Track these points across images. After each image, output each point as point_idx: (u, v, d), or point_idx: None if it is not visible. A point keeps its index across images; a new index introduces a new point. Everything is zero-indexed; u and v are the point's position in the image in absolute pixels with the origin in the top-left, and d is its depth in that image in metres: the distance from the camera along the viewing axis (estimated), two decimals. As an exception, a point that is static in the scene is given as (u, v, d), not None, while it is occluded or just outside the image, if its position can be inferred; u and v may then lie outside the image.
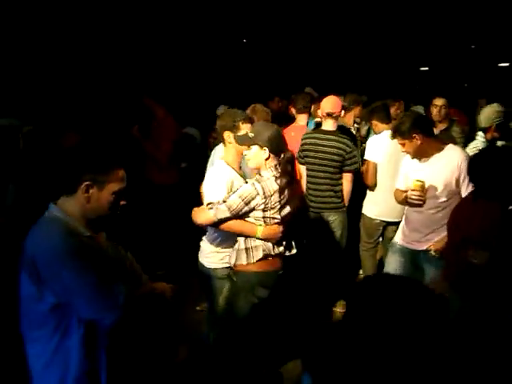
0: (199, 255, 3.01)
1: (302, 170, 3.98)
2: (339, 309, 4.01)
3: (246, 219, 2.63)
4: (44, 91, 5.60)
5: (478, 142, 3.96)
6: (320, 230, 3.93)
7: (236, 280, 2.76)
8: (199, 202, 2.73)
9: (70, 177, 1.71)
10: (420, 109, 5.63)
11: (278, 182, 2.58)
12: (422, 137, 2.96)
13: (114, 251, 1.87)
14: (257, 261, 2.65)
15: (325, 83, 6.65)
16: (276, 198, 2.58)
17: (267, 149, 2.56)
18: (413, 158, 3.09)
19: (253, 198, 2.54)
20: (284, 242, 2.77)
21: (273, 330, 2.94)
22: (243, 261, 2.67)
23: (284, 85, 7.49)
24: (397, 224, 3.96)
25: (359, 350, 1.03)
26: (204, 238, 2.99)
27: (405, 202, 3.12)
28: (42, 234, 1.67)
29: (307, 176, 3.94)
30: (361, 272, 4.47)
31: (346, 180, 3.85)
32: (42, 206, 1.82)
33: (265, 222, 2.61)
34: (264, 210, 2.58)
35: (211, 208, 2.57)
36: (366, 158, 4.07)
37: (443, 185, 2.98)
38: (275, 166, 2.60)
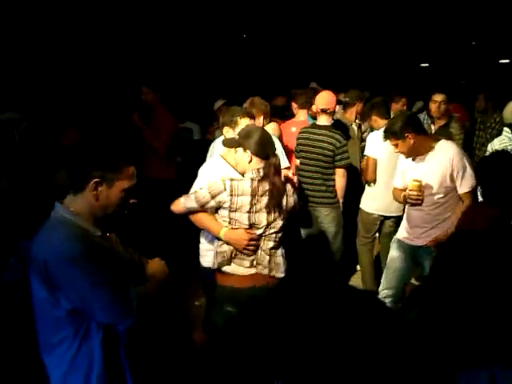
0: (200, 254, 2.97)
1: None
2: None
3: (217, 218, 2.57)
4: (42, 84, 5.59)
5: (505, 138, 3.92)
6: (313, 226, 3.93)
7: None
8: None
9: (78, 174, 1.66)
10: (419, 104, 5.62)
11: (254, 184, 2.46)
12: (415, 135, 2.96)
13: (124, 251, 1.84)
14: (216, 268, 2.55)
15: (325, 78, 6.63)
16: (245, 200, 2.46)
17: (249, 151, 2.49)
18: (407, 158, 3.10)
19: (219, 193, 2.46)
20: (254, 258, 2.54)
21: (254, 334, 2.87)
22: (211, 263, 2.62)
23: (285, 80, 7.48)
24: (394, 218, 3.97)
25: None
26: (200, 237, 2.97)
27: (404, 201, 3.13)
28: (53, 238, 1.60)
29: (301, 170, 3.94)
30: (358, 267, 4.47)
31: (338, 176, 3.85)
32: (43, 203, 1.80)
33: (230, 223, 2.51)
34: (230, 210, 2.48)
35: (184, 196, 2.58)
36: (365, 153, 4.07)
37: (438, 182, 3.00)
38: (258, 169, 2.49)
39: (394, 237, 3.40)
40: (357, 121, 4.61)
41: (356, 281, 4.39)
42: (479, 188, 2.67)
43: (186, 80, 7.81)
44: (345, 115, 4.58)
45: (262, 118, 3.35)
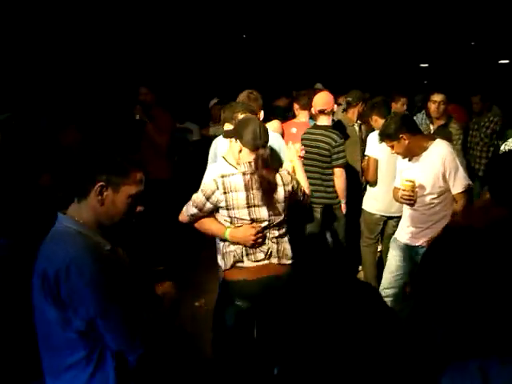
0: None
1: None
2: None
3: (218, 219, 2.53)
4: (41, 83, 5.59)
5: None
6: (313, 227, 3.93)
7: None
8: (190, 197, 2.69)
9: (82, 177, 1.58)
10: (419, 97, 5.59)
11: (246, 178, 2.42)
12: (409, 136, 2.98)
13: (132, 265, 1.74)
14: (229, 268, 2.52)
15: (327, 79, 6.64)
16: (240, 195, 2.42)
17: (239, 141, 2.47)
18: (404, 158, 3.12)
19: (212, 193, 2.43)
20: (264, 247, 2.52)
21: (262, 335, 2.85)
22: (222, 266, 2.59)
23: (288, 81, 7.49)
24: (397, 219, 3.99)
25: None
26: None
27: (399, 200, 3.19)
28: (63, 251, 1.49)
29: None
30: (360, 268, 4.48)
31: (336, 176, 3.85)
32: (24, 205, 1.73)
33: (231, 222, 2.48)
34: (228, 208, 2.45)
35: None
36: (366, 153, 4.07)
37: (431, 182, 3.02)
38: (250, 162, 2.45)
39: (393, 236, 3.42)
40: (358, 121, 4.61)
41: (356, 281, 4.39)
42: (488, 187, 2.65)
43: (186, 81, 7.82)
44: (346, 115, 4.58)
45: (262, 112, 3.29)
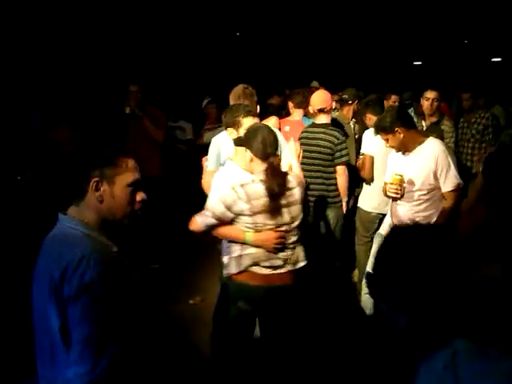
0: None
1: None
2: None
3: (236, 225, 2.50)
4: (33, 82, 5.56)
5: None
6: (314, 226, 3.92)
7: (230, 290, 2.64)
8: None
9: (75, 177, 1.54)
10: (407, 94, 5.59)
11: (265, 185, 2.43)
12: (404, 130, 2.99)
13: (133, 266, 1.69)
14: (243, 270, 2.50)
15: (322, 77, 6.64)
16: (263, 202, 2.43)
17: (249, 151, 2.48)
18: (397, 152, 3.12)
19: (235, 203, 2.41)
20: (282, 254, 2.53)
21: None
22: (233, 269, 2.54)
23: (281, 79, 7.49)
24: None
25: None
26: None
27: (385, 194, 3.19)
28: (70, 255, 1.43)
29: (302, 170, 3.95)
30: (356, 267, 4.47)
31: (339, 174, 3.82)
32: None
33: (256, 228, 2.46)
34: (252, 215, 2.44)
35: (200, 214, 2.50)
36: (362, 151, 4.06)
37: (422, 178, 3.02)
38: (263, 171, 2.47)
39: (378, 232, 3.42)
40: (353, 119, 4.61)
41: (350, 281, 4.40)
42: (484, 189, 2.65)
43: (179, 79, 7.80)
44: (342, 113, 4.57)
45: (258, 107, 3.20)
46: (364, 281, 3.34)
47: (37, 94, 5.09)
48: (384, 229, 3.34)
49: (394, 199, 3.09)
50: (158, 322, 2.90)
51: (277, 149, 2.56)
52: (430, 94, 4.42)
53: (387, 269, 1.17)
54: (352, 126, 4.52)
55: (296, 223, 2.55)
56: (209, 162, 3.11)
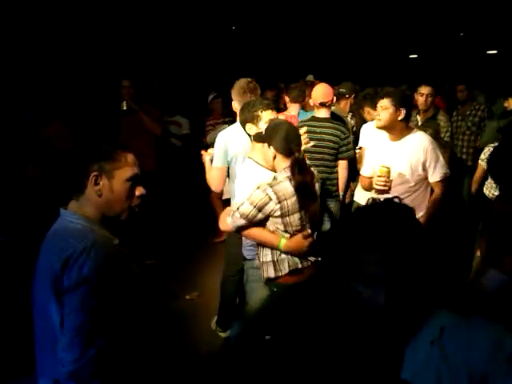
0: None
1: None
2: None
3: (269, 227, 2.46)
4: (26, 78, 5.54)
5: None
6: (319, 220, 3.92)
7: (276, 290, 2.55)
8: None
9: (75, 171, 1.55)
10: (404, 88, 5.60)
11: (293, 183, 2.39)
12: (404, 114, 2.98)
13: (133, 259, 1.70)
14: (288, 273, 2.46)
15: (318, 71, 6.64)
16: (293, 200, 2.39)
17: (272, 147, 2.42)
18: (380, 128, 3.07)
19: (265, 204, 2.36)
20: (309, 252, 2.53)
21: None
22: (271, 274, 2.47)
23: (275, 73, 7.47)
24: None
25: None
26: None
27: (372, 188, 3.12)
28: (72, 247, 1.44)
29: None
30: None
31: (342, 167, 3.80)
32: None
33: (286, 229, 2.44)
34: (283, 216, 2.40)
35: (230, 214, 2.46)
36: (360, 145, 4.05)
37: (410, 171, 3.00)
38: (289, 168, 2.42)
39: None
40: (350, 113, 4.59)
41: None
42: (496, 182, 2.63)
43: (175, 74, 7.77)
44: (339, 107, 4.56)
45: None
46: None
47: (30, 89, 5.07)
48: None
49: (381, 192, 3.01)
50: (156, 316, 2.92)
51: (300, 144, 2.51)
52: (425, 90, 4.41)
53: (363, 242, 1.16)
54: (349, 120, 4.51)
55: (316, 219, 2.54)
56: (215, 158, 3.06)
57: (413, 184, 3.03)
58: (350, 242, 1.19)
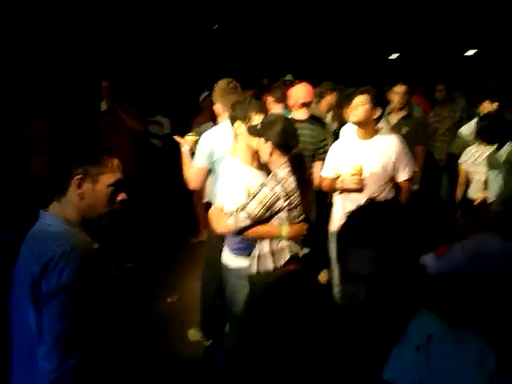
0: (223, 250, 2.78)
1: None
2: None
3: (273, 222, 2.45)
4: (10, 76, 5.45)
5: None
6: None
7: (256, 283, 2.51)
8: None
9: (59, 172, 1.53)
10: (386, 89, 5.60)
11: (297, 177, 2.43)
12: (379, 114, 3.00)
13: (113, 263, 1.68)
14: (287, 261, 2.45)
15: (296, 71, 6.63)
16: (297, 195, 2.43)
17: (270, 142, 2.39)
18: (354, 124, 3.07)
19: (275, 203, 2.36)
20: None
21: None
22: (269, 266, 2.44)
23: (254, 72, 7.45)
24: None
25: None
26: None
27: (338, 188, 3.12)
28: (51, 251, 1.42)
29: None
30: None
31: (317, 168, 3.81)
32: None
33: (289, 221, 2.44)
34: (289, 210, 2.42)
35: (231, 216, 2.41)
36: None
37: (382, 168, 3.01)
38: (287, 163, 2.42)
39: (330, 230, 3.31)
40: (331, 112, 4.58)
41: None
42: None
43: (156, 73, 7.70)
44: (319, 108, 4.55)
45: None
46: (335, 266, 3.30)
47: (11, 89, 5.00)
48: (335, 225, 3.22)
49: (352, 191, 3.01)
50: (137, 320, 2.88)
51: (298, 140, 2.52)
52: (400, 89, 4.38)
53: (360, 240, 1.17)
54: (329, 120, 4.51)
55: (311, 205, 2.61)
56: (197, 157, 3.00)
57: (382, 183, 3.04)
58: (337, 239, 1.21)
